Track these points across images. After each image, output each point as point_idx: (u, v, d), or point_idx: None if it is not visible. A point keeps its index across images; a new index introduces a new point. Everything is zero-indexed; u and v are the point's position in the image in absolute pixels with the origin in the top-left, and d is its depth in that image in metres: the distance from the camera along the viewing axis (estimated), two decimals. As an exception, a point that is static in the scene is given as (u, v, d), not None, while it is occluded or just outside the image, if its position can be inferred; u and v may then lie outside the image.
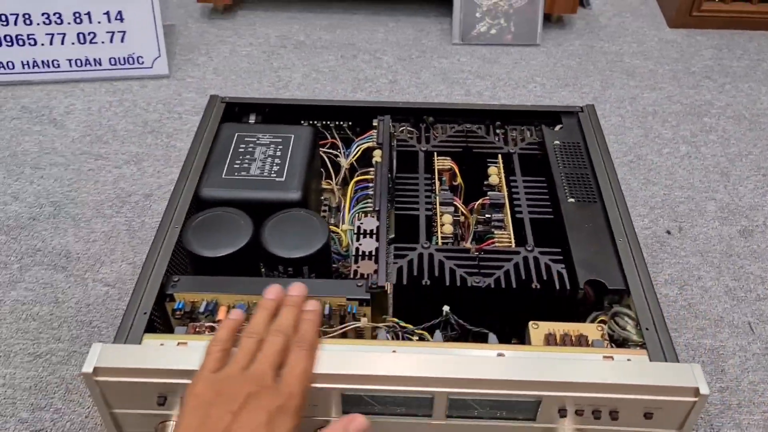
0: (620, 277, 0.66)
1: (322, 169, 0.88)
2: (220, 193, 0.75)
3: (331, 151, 0.89)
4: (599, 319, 0.66)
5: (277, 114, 0.90)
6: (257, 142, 0.82)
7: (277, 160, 0.79)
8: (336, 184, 0.88)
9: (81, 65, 1.23)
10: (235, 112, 0.90)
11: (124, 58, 1.24)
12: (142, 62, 1.25)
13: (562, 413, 0.57)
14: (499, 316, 0.66)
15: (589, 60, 1.36)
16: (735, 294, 0.87)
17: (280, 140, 0.82)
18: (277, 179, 0.77)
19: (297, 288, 0.59)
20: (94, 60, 1.23)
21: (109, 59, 1.23)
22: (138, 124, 1.15)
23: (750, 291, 0.87)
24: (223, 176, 0.77)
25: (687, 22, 1.45)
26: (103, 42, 1.22)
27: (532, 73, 1.31)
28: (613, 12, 1.52)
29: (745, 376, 0.77)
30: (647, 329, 0.61)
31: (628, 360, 0.58)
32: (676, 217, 0.98)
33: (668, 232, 0.95)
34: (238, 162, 0.79)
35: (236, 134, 0.83)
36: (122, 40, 1.22)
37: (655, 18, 1.50)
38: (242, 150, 0.81)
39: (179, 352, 0.57)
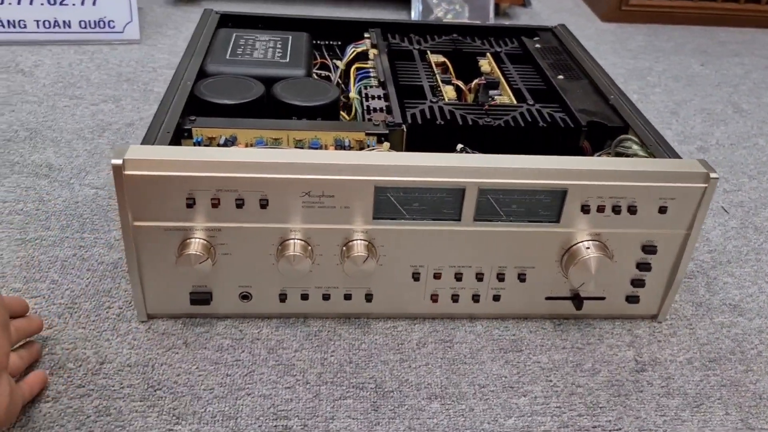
0: (618, 118, 0.71)
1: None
2: (227, 68, 0.75)
3: (321, 71, 0.92)
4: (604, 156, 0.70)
5: (271, 28, 0.93)
6: (257, 39, 0.84)
7: (278, 50, 0.81)
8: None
9: (49, 26, 1.22)
10: (228, 26, 0.91)
11: (94, 22, 1.24)
12: (113, 26, 1.25)
13: (585, 209, 0.59)
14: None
15: (538, 40, 1.47)
16: (703, 188, 0.93)
17: (279, 39, 0.85)
18: (281, 60, 0.78)
19: None
20: (63, 22, 1.22)
21: (79, 22, 1.23)
22: (112, 75, 1.14)
23: (717, 187, 0.94)
24: (228, 57, 0.78)
25: (618, 16, 1.61)
26: (73, 4, 1.22)
27: (489, 49, 1.41)
28: (551, 11, 1.67)
29: (728, 242, 0.82)
30: (651, 146, 0.65)
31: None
32: (640, 139, 1.06)
33: (635, 148, 1.02)
34: (240, 50, 0.80)
35: (234, 34, 0.85)
36: (94, 3, 1.23)
37: (589, 16, 1.66)
38: (242, 43, 0.82)
39: (211, 149, 0.55)
